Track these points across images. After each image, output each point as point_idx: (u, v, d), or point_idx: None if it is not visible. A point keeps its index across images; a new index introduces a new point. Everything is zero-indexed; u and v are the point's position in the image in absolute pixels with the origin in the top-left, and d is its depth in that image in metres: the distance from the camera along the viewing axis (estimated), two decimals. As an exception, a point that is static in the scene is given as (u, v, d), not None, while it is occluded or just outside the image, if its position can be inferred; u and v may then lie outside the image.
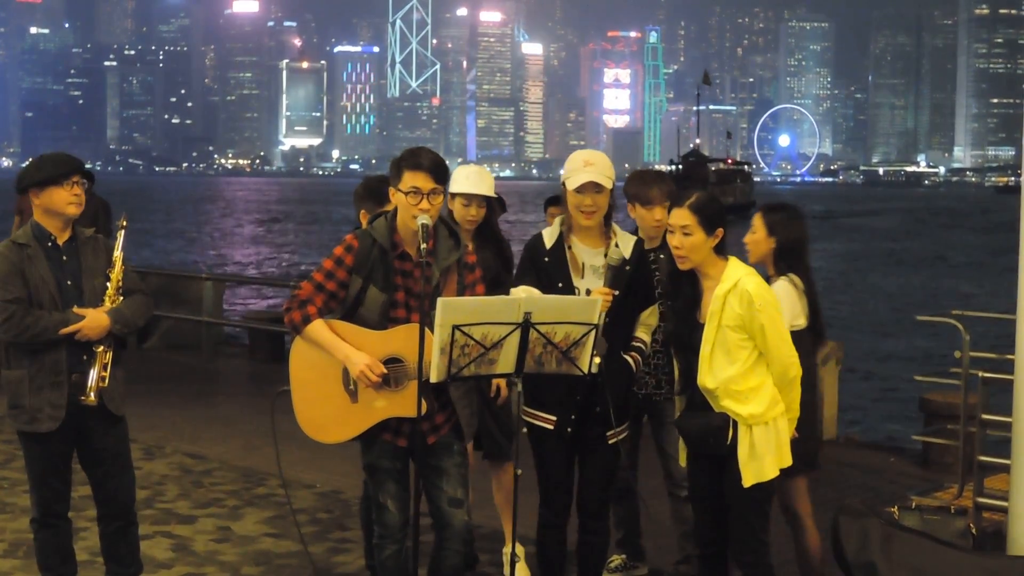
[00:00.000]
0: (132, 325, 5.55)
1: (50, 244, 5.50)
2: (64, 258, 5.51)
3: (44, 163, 5.53)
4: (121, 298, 5.53)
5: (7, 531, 7.49)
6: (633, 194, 6.17)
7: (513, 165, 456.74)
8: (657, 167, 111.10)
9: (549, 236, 5.56)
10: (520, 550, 6.45)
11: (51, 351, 5.40)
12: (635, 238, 5.61)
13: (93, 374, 5.42)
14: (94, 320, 5.40)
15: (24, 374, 5.42)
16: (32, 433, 5.47)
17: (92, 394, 5.41)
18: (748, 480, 5.08)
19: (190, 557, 7.05)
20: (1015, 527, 5.76)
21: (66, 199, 5.47)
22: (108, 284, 5.52)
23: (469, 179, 6.32)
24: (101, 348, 5.45)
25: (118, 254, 5.59)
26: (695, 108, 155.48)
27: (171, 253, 57.04)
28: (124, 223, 5.75)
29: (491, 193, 6.35)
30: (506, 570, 6.36)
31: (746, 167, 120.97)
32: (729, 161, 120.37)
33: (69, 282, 5.48)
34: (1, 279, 5.37)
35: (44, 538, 5.73)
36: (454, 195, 6.34)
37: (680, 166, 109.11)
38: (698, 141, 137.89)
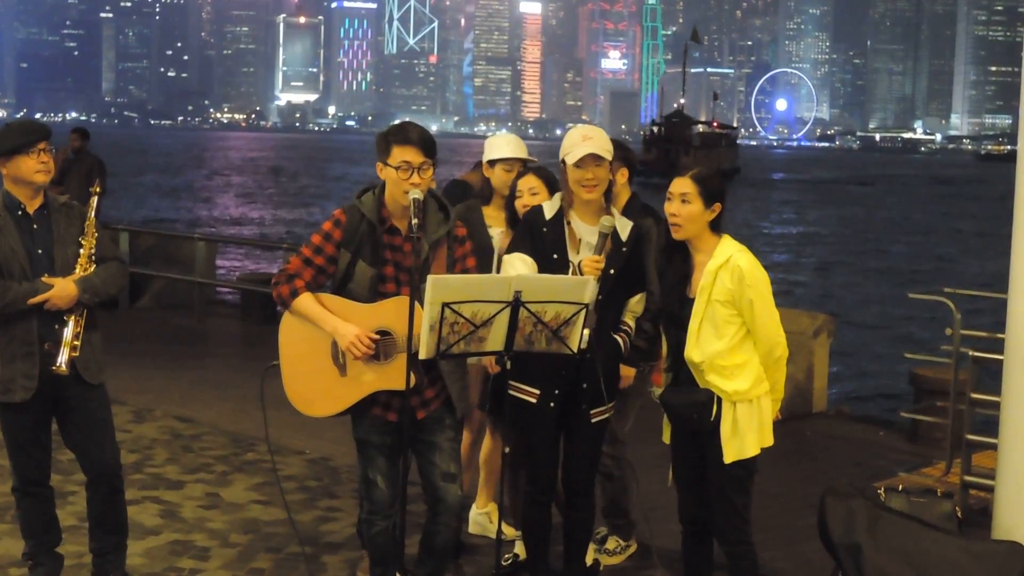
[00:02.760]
0: (102, 293, 5.45)
1: (20, 213, 5.40)
2: (35, 227, 5.42)
3: (9, 132, 5.41)
4: (94, 266, 5.45)
5: (-5, 494, 7.46)
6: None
7: (509, 124, 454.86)
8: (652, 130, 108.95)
9: (549, 208, 5.55)
10: (492, 507, 6.60)
11: (22, 321, 5.32)
12: (631, 223, 5.59)
13: (64, 344, 5.35)
14: (62, 289, 5.31)
15: None
16: (7, 404, 5.42)
17: (63, 364, 5.34)
18: (729, 456, 5.12)
19: (178, 524, 7.06)
20: (1000, 510, 5.77)
21: (33, 167, 5.36)
22: (80, 252, 5.44)
23: (509, 145, 6.45)
24: (73, 317, 5.39)
25: (91, 220, 5.50)
26: (682, 69, 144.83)
27: (165, 211, 56.92)
28: (97, 189, 5.69)
29: (529, 157, 6.42)
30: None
31: (731, 131, 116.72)
32: (715, 124, 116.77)
33: (40, 251, 5.40)
34: None
35: (26, 507, 5.72)
36: (494, 162, 6.37)
37: (662, 128, 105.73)
38: (683, 101, 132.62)
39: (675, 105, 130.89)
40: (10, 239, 5.34)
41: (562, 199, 5.53)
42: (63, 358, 5.35)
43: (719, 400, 5.14)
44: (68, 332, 5.37)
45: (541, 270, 5.35)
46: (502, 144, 6.43)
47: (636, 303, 5.59)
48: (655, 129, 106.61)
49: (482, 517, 6.84)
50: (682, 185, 5.14)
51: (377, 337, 4.94)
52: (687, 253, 5.24)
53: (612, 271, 5.36)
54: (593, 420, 5.50)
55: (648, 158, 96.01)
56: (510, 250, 5.56)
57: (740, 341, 5.14)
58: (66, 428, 5.63)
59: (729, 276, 5.08)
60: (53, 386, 5.43)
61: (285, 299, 5.06)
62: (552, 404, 5.46)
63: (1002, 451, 5.81)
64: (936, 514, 5.66)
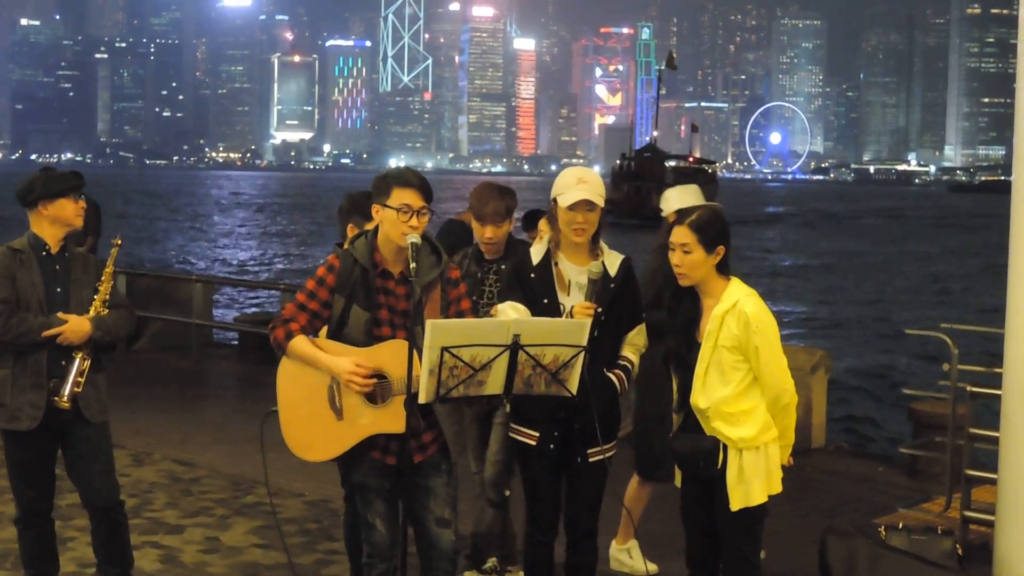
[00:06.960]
0: (113, 333, 5.80)
1: (44, 253, 5.77)
2: (56, 267, 5.78)
3: (56, 177, 5.81)
4: (107, 310, 5.79)
5: (-5, 540, 7.45)
6: (471, 206, 6.39)
7: (504, 161, 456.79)
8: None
9: (536, 253, 5.57)
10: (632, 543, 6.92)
11: (34, 353, 5.64)
12: (622, 256, 5.60)
13: (69, 379, 5.66)
14: (76, 324, 5.65)
15: (8, 374, 5.69)
16: (13, 432, 5.72)
17: (66, 398, 5.64)
18: (735, 504, 5.08)
19: (178, 569, 7.04)
20: (1001, 545, 5.78)
21: (74, 211, 5.78)
22: (96, 296, 5.78)
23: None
24: (80, 354, 5.70)
25: (109, 269, 5.85)
26: (656, 102, 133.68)
27: (162, 252, 56.96)
28: (119, 242, 6.07)
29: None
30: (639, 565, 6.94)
31: (710, 165, 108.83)
32: (691, 159, 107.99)
33: (58, 290, 5.74)
34: None
35: (28, 538, 5.99)
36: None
37: (632, 162, 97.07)
38: (655, 134, 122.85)
39: (647, 139, 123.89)
40: (32, 275, 5.70)
41: (550, 240, 5.55)
42: (66, 392, 5.64)
43: (725, 447, 5.10)
44: (74, 368, 5.68)
45: (533, 315, 5.35)
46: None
47: (635, 335, 5.57)
48: (624, 164, 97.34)
49: (622, 554, 7.06)
50: (681, 235, 5.12)
51: (373, 380, 4.95)
52: (696, 296, 5.22)
53: (599, 308, 5.36)
54: (591, 460, 5.49)
55: (617, 196, 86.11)
56: (502, 299, 5.57)
57: (747, 387, 5.09)
58: (69, 461, 5.90)
59: (736, 322, 5.04)
60: (57, 420, 5.71)
61: (281, 342, 5.08)
62: (552, 446, 5.46)
63: (1001, 486, 5.83)
64: (937, 552, 5.67)
